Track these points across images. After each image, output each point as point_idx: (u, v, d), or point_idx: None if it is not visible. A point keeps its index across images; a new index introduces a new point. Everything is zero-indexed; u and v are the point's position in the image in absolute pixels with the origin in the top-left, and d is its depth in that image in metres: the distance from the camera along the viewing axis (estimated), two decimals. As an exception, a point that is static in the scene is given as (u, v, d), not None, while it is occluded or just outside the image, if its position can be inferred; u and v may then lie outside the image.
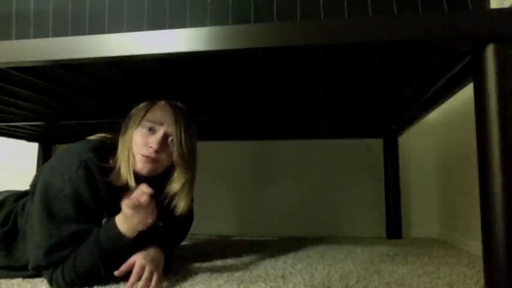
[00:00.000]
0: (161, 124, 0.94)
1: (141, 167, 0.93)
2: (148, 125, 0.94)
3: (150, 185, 0.96)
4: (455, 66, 0.85)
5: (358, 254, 1.31)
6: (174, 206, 0.98)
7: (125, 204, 0.84)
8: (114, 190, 0.91)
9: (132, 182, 0.91)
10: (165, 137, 0.94)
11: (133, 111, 1.01)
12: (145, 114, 0.96)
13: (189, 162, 0.98)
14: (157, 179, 0.97)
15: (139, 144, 0.93)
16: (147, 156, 0.92)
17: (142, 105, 1.00)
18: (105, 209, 0.90)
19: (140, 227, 0.86)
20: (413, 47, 0.80)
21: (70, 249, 0.84)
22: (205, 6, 0.71)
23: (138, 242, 0.88)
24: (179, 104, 1.01)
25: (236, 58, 0.87)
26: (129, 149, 0.94)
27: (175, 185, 0.97)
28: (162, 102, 1.00)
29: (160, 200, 0.98)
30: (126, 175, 0.91)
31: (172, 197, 0.99)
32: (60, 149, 0.96)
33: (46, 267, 0.84)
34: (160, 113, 0.96)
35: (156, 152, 0.92)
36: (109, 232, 0.85)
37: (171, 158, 0.96)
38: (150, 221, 0.87)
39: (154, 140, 0.92)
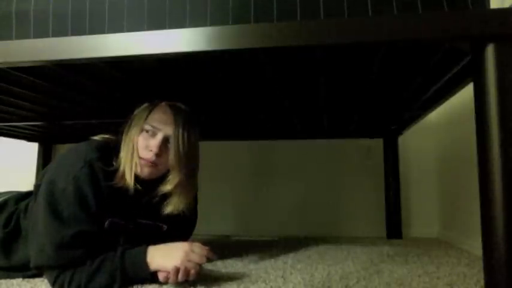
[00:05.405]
0: (161, 127, 0.95)
1: (142, 170, 0.94)
2: (149, 128, 0.95)
3: (149, 186, 0.96)
4: (455, 66, 0.85)
5: (358, 254, 1.31)
6: (167, 205, 0.98)
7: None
8: (116, 192, 0.91)
9: (131, 184, 0.92)
10: (165, 139, 0.95)
11: (136, 112, 1.01)
12: (146, 117, 0.97)
13: (186, 163, 0.96)
14: (156, 180, 0.98)
15: (140, 147, 0.94)
16: (147, 160, 0.93)
17: (143, 107, 1.00)
18: (107, 211, 0.90)
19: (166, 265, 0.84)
20: (414, 46, 0.80)
21: (74, 251, 0.83)
22: (205, 6, 0.71)
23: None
24: (180, 104, 1.01)
25: (236, 58, 0.87)
26: (133, 153, 0.94)
27: (168, 185, 0.97)
28: (163, 104, 1.00)
29: (152, 197, 0.98)
30: (129, 178, 0.92)
31: (166, 195, 0.99)
32: (65, 149, 0.95)
33: (49, 266, 0.83)
34: (160, 116, 0.96)
35: (157, 155, 0.93)
36: (137, 261, 0.83)
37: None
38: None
39: (154, 144, 0.93)
